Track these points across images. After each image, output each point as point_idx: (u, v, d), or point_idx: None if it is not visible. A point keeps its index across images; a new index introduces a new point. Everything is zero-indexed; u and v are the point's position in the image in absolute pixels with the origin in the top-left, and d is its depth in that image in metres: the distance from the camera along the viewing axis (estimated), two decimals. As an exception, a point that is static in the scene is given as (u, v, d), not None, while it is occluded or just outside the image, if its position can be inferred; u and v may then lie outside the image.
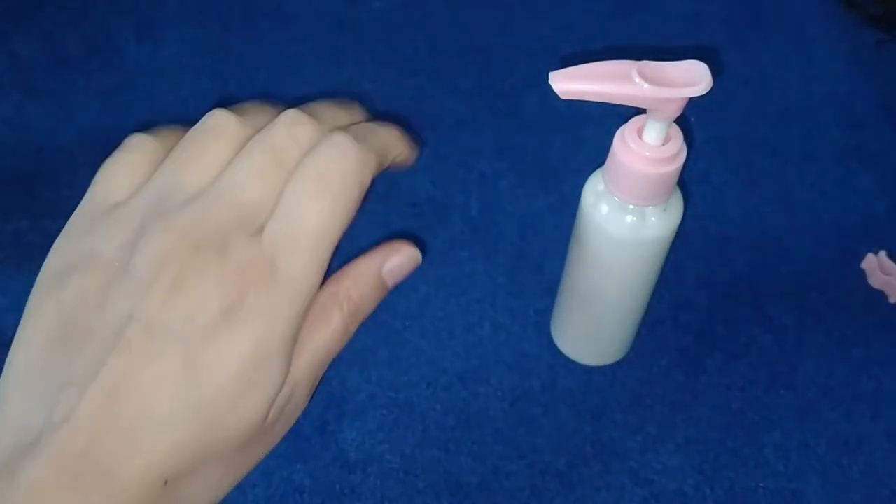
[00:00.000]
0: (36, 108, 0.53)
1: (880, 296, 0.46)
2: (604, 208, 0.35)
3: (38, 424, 0.27)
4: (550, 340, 0.44)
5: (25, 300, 0.31)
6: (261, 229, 0.29)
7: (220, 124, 0.31)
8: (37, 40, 0.56)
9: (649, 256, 0.36)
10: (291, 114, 0.31)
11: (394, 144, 0.34)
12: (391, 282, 0.34)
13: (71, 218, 0.31)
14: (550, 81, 0.30)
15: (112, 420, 0.27)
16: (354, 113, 0.35)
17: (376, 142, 0.32)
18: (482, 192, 0.50)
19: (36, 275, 0.31)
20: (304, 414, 0.34)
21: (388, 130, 0.34)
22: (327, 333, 0.32)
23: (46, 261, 0.30)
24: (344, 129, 0.32)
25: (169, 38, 0.56)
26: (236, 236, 0.29)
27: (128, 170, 0.32)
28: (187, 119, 0.36)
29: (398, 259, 0.34)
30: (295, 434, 0.34)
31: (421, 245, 0.47)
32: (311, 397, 0.33)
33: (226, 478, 0.30)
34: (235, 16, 0.58)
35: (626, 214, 0.34)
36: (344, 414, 0.42)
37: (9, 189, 0.49)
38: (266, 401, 0.29)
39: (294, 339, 0.30)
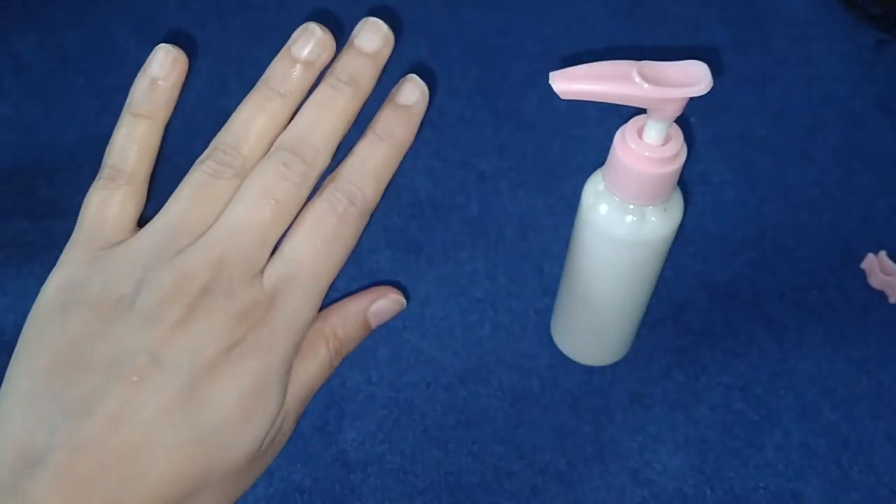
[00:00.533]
0: (36, 108, 0.53)
1: (880, 296, 0.46)
2: (604, 208, 0.35)
3: (40, 446, 0.27)
4: (550, 340, 0.44)
5: (25, 300, 0.31)
6: (261, 271, 0.31)
7: (217, 169, 0.32)
8: (37, 40, 0.56)
9: (649, 257, 0.36)
10: (281, 155, 0.32)
11: (385, 165, 0.34)
12: (375, 323, 0.36)
13: (66, 250, 0.32)
14: (550, 81, 0.30)
15: (118, 446, 0.27)
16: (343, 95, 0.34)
17: (369, 177, 0.33)
18: (482, 192, 0.50)
19: (36, 275, 0.31)
20: (304, 414, 0.34)
21: (381, 151, 0.34)
22: (314, 367, 0.33)
23: (46, 291, 0.31)
24: (336, 176, 0.33)
25: (169, 39, 0.56)
26: (241, 279, 0.31)
27: (119, 204, 0.33)
28: (187, 118, 0.36)
29: (384, 303, 0.36)
30: (295, 434, 0.34)
31: (421, 245, 0.48)
32: (296, 425, 0.34)
33: (219, 502, 0.31)
34: (235, 16, 0.58)
35: (626, 214, 0.34)
36: (344, 414, 0.42)
37: (9, 189, 0.49)
38: (264, 429, 0.30)
39: (289, 371, 0.32)
